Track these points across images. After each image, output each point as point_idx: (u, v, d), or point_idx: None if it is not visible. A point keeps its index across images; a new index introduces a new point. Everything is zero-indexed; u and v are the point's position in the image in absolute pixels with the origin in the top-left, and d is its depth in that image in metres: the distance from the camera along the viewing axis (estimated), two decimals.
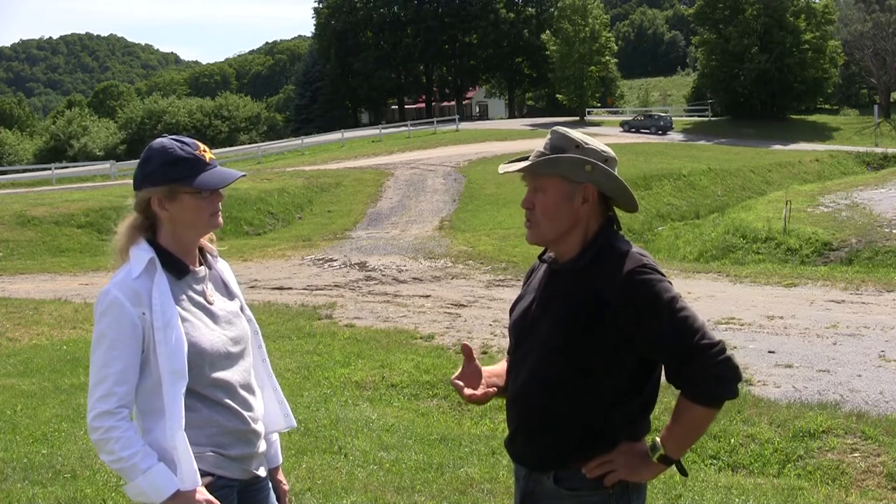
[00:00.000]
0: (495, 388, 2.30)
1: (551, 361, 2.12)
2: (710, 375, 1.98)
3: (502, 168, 2.27)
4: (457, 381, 2.25)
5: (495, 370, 2.40)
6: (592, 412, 2.10)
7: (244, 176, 2.48)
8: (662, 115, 54.81)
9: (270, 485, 2.47)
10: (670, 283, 2.06)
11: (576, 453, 2.11)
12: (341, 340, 9.17)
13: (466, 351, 2.28)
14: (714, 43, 56.38)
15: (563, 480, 2.13)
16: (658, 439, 2.11)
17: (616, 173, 2.18)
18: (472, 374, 2.28)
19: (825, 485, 4.87)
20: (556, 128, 2.22)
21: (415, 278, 14.61)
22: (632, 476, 2.10)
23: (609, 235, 2.16)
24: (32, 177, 40.08)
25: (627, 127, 53.02)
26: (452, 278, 14.44)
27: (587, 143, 2.16)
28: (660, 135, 48.69)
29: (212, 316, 2.28)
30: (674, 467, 2.16)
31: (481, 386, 2.26)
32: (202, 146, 2.27)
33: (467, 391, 2.21)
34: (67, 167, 42.98)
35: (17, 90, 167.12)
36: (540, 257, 2.29)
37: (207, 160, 2.24)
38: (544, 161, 2.16)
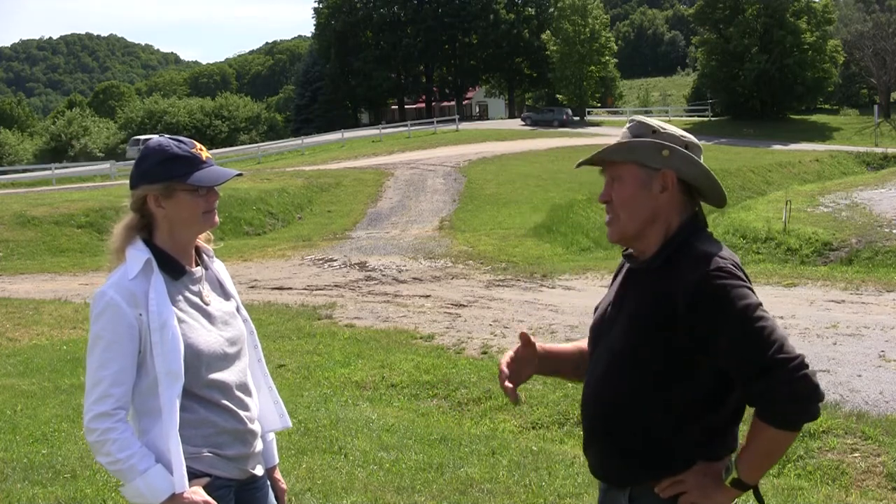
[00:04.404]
0: (531, 371, 2.23)
1: (621, 369, 2.01)
2: (784, 394, 1.79)
3: (578, 163, 2.17)
4: (504, 370, 2.17)
5: (561, 351, 2.30)
6: (664, 426, 1.96)
7: (240, 175, 2.47)
8: (565, 108, 55.26)
9: (269, 484, 2.46)
10: (750, 290, 1.89)
11: (648, 470, 1.99)
12: (341, 340, 9.17)
13: (524, 338, 2.22)
14: (714, 43, 56.38)
15: (637, 500, 2.01)
16: (734, 460, 1.96)
17: (700, 160, 2.04)
18: (524, 361, 2.22)
19: (825, 485, 4.87)
20: (634, 116, 2.12)
21: (415, 278, 14.60)
22: (704, 499, 1.94)
23: (691, 233, 2.01)
24: (32, 177, 40.03)
25: (529, 121, 53.19)
26: (452, 278, 14.44)
27: (665, 129, 2.04)
28: (559, 127, 48.97)
29: (208, 317, 2.28)
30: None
31: (523, 370, 2.22)
32: (198, 145, 2.28)
33: (508, 384, 2.15)
34: (67, 167, 42.95)
35: (17, 90, 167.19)
36: (624, 255, 2.15)
37: (204, 158, 2.25)
38: (617, 147, 2.04)
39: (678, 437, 1.96)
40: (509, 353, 2.23)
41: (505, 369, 2.17)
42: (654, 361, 1.95)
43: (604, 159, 2.08)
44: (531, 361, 2.25)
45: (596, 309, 2.27)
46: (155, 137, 2.30)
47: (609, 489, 2.11)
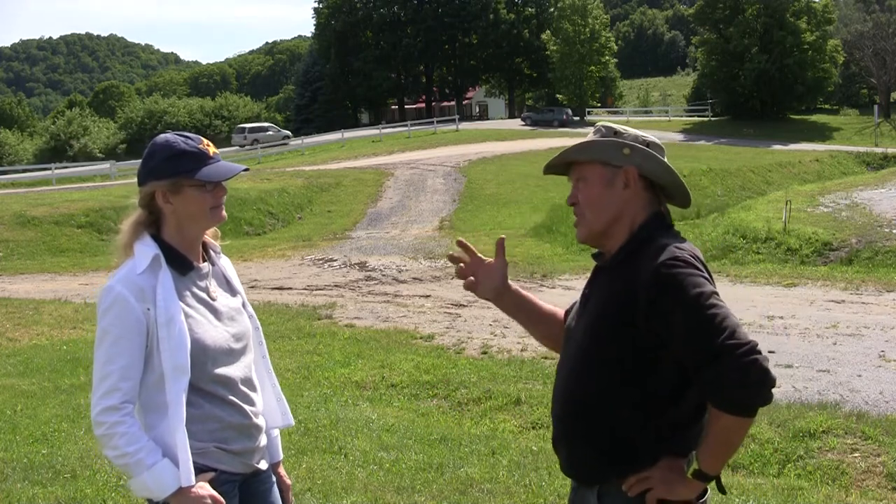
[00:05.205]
0: (492, 287, 2.34)
1: (588, 367, 2.03)
2: (734, 380, 1.79)
3: (545, 167, 2.24)
4: (464, 248, 2.36)
5: (531, 299, 2.40)
6: (631, 423, 1.99)
7: (247, 170, 2.49)
8: (565, 108, 55.43)
9: (273, 478, 2.49)
10: (705, 279, 1.91)
11: (615, 467, 2.01)
12: (341, 340, 9.17)
13: (499, 244, 2.35)
14: (714, 43, 56.38)
15: (606, 497, 2.04)
16: (695, 453, 1.99)
17: (664, 159, 2.10)
18: (482, 266, 2.35)
19: (825, 485, 4.87)
20: (599, 123, 2.20)
21: (415, 278, 14.60)
22: (669, 494, 1.96)
23: (654, 229, 2.05)
24: (32, 177, 40.08)
25: (529, 121, 53.26)
26: (452, 278, 14.43)
27: (626, 130, 2.12)
28: (559, 127, 49.19)
29: (215, 312, 2.30)
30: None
31: (481, 279, 2.34)
32: (205, 140, 2.30)
33: (465, 270, 2.34)
34: (67, 167, 43.01)
35: (17, 90, 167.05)
36: (593, 255, 2.20)
37: (211, 154, 2.27)
38: (580, 146, 2.12)
39: (644, 433, 1.98)
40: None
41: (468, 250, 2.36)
42: (621, 358, 1.97)
43: (570, 162, 2.15)
44: (497, 271, 2.35)
45: (566, 312, 2.33)
46: (162, 134, 2.32)
47: (579, 487, 2.14)
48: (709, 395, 1.87)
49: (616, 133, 2.11)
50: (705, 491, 2.01)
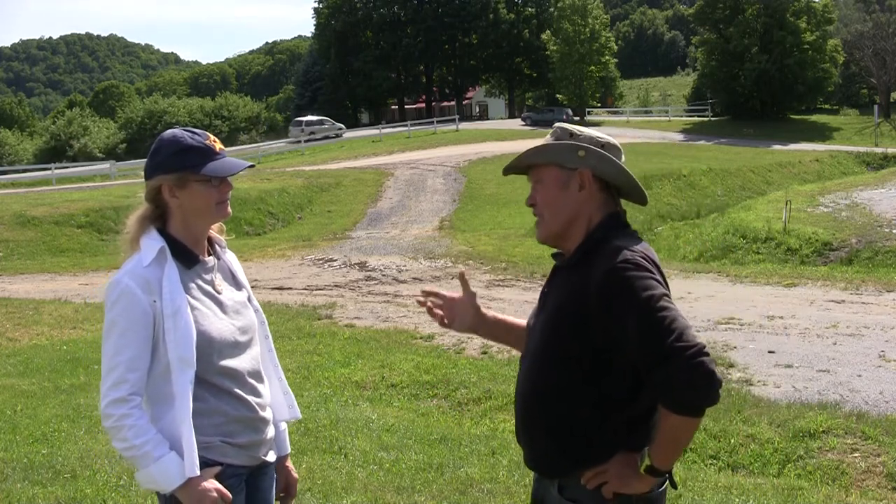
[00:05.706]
0: (468, 320, 2.44)
1: (544, 364, 2.09)
2: (683, 381, 1.83)
3: (504, 169, 2.28)
4: (430, 295, 2.46)
5: (510, 322, 2.48)
6: (588, 422, 2.04)
7: (252, 166, 2.54)
8: (565, 108, 55.57)
9: (275, 474, 2.51)
10: (656, 281, 1.94)
11: (574, 461, 2.07)
12: (341, 340, 9.17)
13: (461, 277, 2.47)
14: (714, 43, 56.41)
15: (566, 489, 2.09)
16: (647, 449, 2.05)
17: (620, 161, 2.12)
18: (453, 303, 2.45)
19: (825, 485, 4.87)
20: (557, 123, 2.23)
21: (415, 278, 14.60)
22: (624, 488, 2.02)
23: (609, 229, 2.09)
24: (32, 177, 40.00)
25: (529, 121, 53.32)
26: (452, 278, 14.42)
27: (582, 132, 2.15)
28: None
29: (220, 305, 2.32)
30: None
31: (455, 315, 2.44)
32: (212, 136, 2.33)
33: (436, 311, 2.44)
34: (67, 167, 42.93)
35: (17, 90, 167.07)
36: (552, 255, 2.23)
37: (217, 150, 2.29)
38: (536, 150, 2.15)
39: (600, 433, 2.04)
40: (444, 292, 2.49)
41: (441, 292, 2.47)
42: (580, 358, 2.02)
43: (529, 164, 2.19)
44: (468, 305, 2.44)
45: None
46: (169, 130, 2.34)
47: (541, 479, 2.20)
48: (659, 396, 1.91)
49: (572, 135, 2.14)
50: (662, 482, 2.07)
